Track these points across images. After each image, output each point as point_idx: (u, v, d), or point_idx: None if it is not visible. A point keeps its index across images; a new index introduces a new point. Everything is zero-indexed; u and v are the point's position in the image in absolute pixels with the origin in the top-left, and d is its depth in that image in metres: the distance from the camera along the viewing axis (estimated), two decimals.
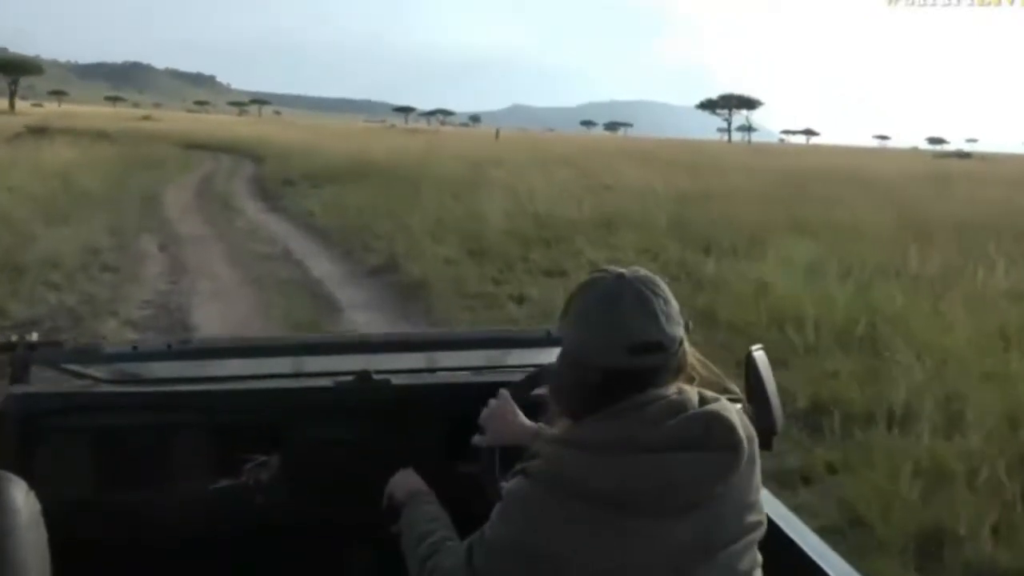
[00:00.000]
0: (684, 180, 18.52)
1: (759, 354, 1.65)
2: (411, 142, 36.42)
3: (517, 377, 1.67)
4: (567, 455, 1.14)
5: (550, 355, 1.45)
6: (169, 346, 1.89)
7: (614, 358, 1.14)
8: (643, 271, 1.21)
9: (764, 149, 62.33)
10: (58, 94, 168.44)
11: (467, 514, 1.39)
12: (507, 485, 1.21)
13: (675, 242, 10.40)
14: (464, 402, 1.66)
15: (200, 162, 25.02)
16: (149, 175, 18.66)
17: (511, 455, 1.48)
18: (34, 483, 1.17)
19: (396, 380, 1.82)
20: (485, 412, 1.56)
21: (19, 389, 1.72)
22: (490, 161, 23.18)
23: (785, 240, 9.89)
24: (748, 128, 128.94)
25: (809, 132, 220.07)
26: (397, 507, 1.51)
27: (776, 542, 1.32)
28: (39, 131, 25.70)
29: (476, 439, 1.56)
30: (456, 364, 2.06)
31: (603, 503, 1.10)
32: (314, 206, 13.86)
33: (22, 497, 1.13)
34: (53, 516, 1.18)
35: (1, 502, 1.09)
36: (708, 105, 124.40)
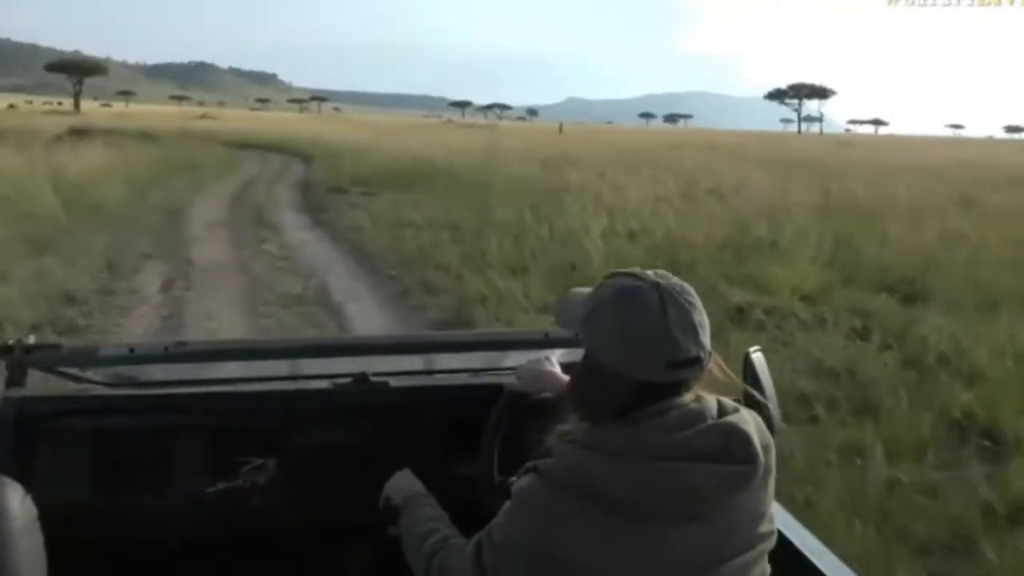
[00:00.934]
0: (802, 183, 15.52)
1: (757, 356, 1.63)
2: (471, 138, 34.08)
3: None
4: (581, 456, 1.12)
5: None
6: (166, 349, 1.82)
7: (652, 373, 1.11)
8: (673, 277, 1.16)
9: (854, 141, 57.95)
10: (126, 94, 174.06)
11: (465, 515, 1.38)
12: (518, 482, 1.17)
13: (849, 282, 7.62)
14: (462, 404, 1.73)
15: (244, 164, 22.99)
16: (182, 181, 16.63)
17: (510, 458, 1.51)
18: (31, 486, 1.23)
19: (394, 382, 1.83)
20: (525, 363, 1.61)
21: (15, 392, 1.71)
22: (562, 159, 20.53)
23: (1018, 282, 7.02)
24: (818, 118, 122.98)
25: (878, 122, 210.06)
26: (394, 509, 1.49)
27: (784, 553, 1.29)
28: (82, 133, 24.09)
29: (509, 383, 1.60)
30: (454, 366, 2.05)
31: (615, 507, 1.08)
32: (364, 221, 11.48)
33: (18, 501, 1.17)
34: (50, 519, 1.23)
35: None
36: (777, 95, 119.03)
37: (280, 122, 55.43)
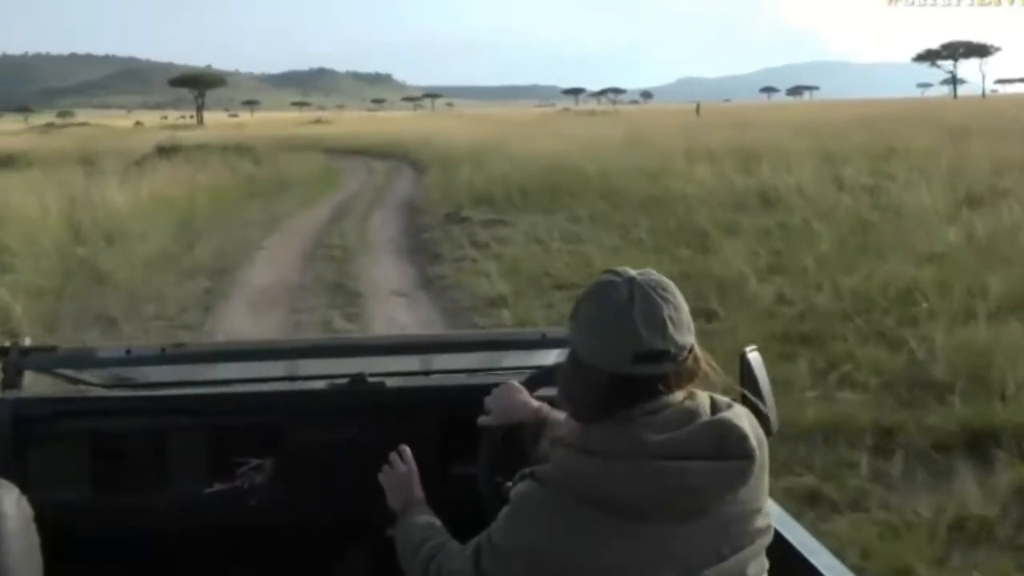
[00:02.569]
0: None
1: (753, 355, 1.58)
2: (600, 128, 29.37)
3: (512, 380, 1.61)
4: (577, 460, 1.10)
5: (545, 357, 1.70)
6: (163, 350, 1.81)
7: (620, 365, 1.09)
8: (655, 274, 1.14)
9: None
10: (251, 103, 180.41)
11: (462, 516, 1.36)
12: (515, 488, 1.16)
13: None
14: (459, 404, 1.67)
15: (343, 179, 19.26)
16: (257, 210, 12.92)
17: (509, 458, 1.48)
18: (28, 488, 1.24)
19: (391, 383, 1.82)
20: (492, 394, 1.55)
21: (12, 394, 1.70)
22: (737, 151, 15.57)
23: None
24: (961, 80, 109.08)
25: None
26: (391, 512, 1.47)
27: (780, 549, 1.29)
28: (168, 151, 21.30)
29: (482, 420, 1.55)
30: (451, 367, 2.03)
31: (612, 508, 1.06)
32: (498, 279, 7.22)
33: (14, 502, 1.17)
34: (47, 520, 1.23)
35: None
36: (928, 56, 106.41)
37: (392, 122, 52.68)
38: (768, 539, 1.16)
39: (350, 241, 10.00)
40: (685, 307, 1.12)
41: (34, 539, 1.18)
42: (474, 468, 1.53)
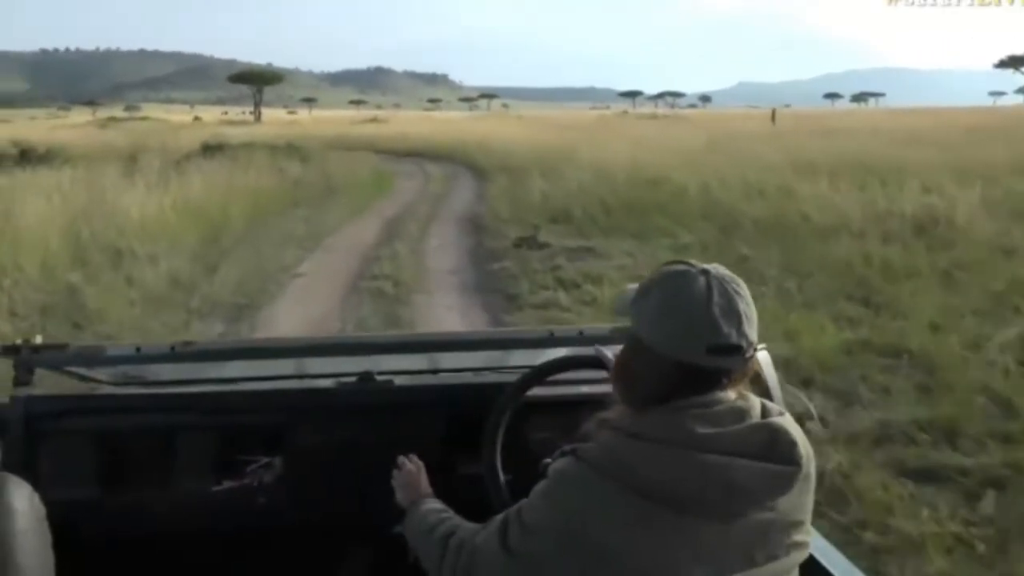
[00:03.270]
0: None
1: (762, 354, 1.51)
2: (670, 133, 27.23)
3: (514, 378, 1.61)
4: (623, 442, 1.08)
5: (553, 356, 1.64)
6: (172, 348, 1.78)
7: (691, 355, 1.07)
8: (723, 268, 1.13)
9: None
10: (309, 101, 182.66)
11: (468, 515, 1.36)
12: (554, 464, 1.14)
13: None
14: (466, 403, 1.69)
15: (396, 184, 17.42)
16: (297, 223, 11.19)
17: (513, 457, 1.50)
18: (39, 485, 1.25)
19: (399, 381, 1.81)
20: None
21: (23, 392, 1.71)
22: (848, 165, 13.34)
23: None
24: None
25: None
26: (399, 508, 1.47)
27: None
28: (213, 149, 19.84)
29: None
30: (458, 365, 2.01)
31: (652, 496, 1.04)
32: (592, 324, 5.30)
33: (26, 499, 1.19)
34: (57, 517, 1.24)
35: (5, 504, 1.13)
36: (1012, 63, 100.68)
37: (448, 122, 51.06)
38: (803, 556, 1.12)
39: (404, 270, 8.07)
40: (753, 304, 1.11)
41: (46, 535, 1.19)
42: (481, 466, 1.51)
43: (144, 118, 72.28)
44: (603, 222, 9.72)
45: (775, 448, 1.06)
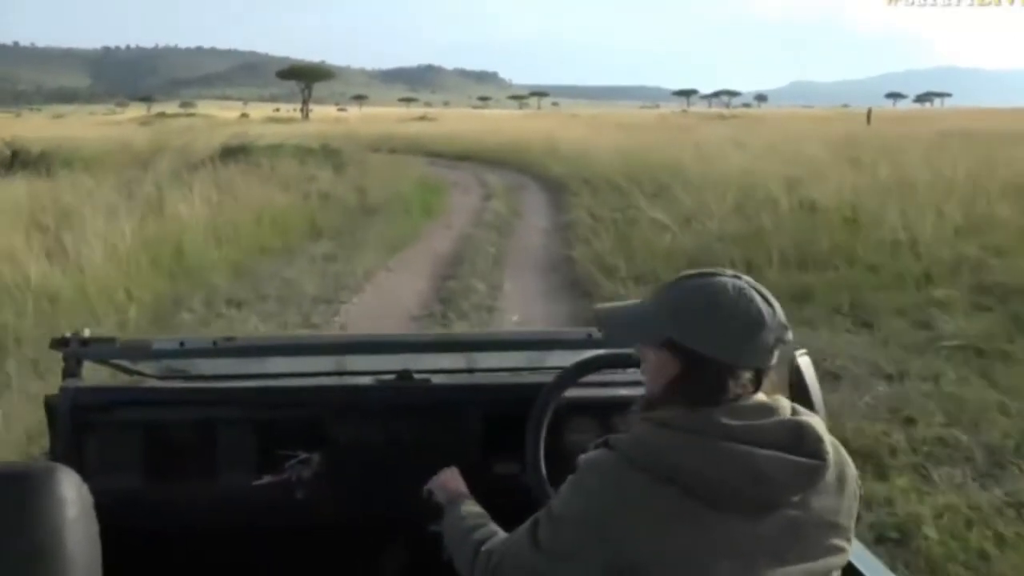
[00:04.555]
0: None
1: (804, 360, 1.54)
2: (761, 136, 23.38)
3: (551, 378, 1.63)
4: (652, 430, 1.11)
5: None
6: (215, 343, 1.81)
7: (733, 356, 1.09)
8: (750, 279, 1.14)
9: None
10: (359, 98, 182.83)
11: (505, 514, 1.38)
12: (587, 455, 1.15)
13: None
14: (503, 402, 1.71)
15: (446, 204, 13.84)
16: (309, 272, 7.74)
17: (550, 459, 1.51)
18: (85, 475, 1.22)
19: (436, 380, 1.84)
20: (429, 487, 1.57)
21: (71, 383, 1.74)
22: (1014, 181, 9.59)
23: None
24: None
25: None
26: (437, 506, 1.49)
27: None
28: (234, 152, 16.85)
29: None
30: (496, 365, 2.04)
31: (684, 487, 1.05)
32: None
33: (75, 488, 1.17)
34: (101, 507, 1.23)
35: (55, 493, 1.12)
36: None
37: (501, 120, 47.81)
38: (840, 562, 1.11)
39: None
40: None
41: (94, 524, 1.18)
42: (517, 466, 1.53)
43: (191, 114, 71.04)
44: (779, 284, 6.27)
45: (801, 442, 1.07)
